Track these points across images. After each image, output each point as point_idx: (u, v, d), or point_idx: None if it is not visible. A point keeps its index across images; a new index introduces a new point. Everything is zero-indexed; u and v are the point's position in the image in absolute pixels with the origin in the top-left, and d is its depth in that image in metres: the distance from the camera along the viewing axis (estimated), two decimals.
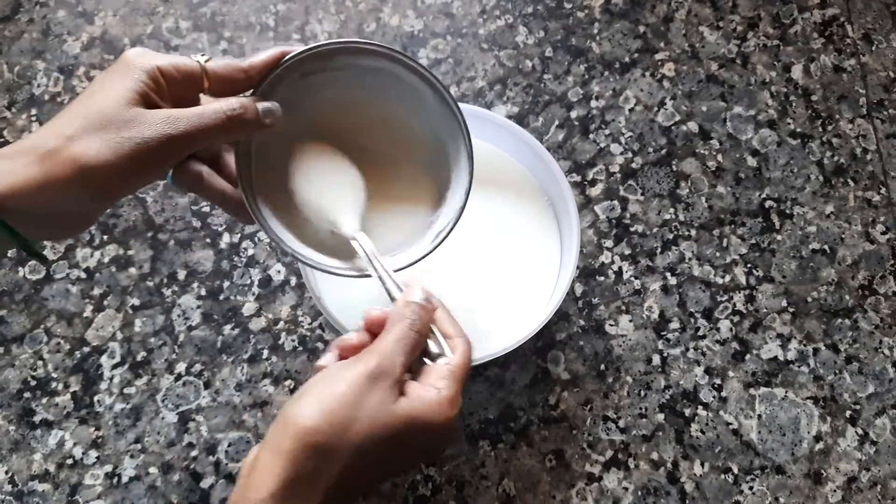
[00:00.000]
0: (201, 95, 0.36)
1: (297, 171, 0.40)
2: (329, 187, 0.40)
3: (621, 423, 0.52)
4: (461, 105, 0.54)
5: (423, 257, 0.41)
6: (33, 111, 0.60)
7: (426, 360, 0.36)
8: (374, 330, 0.36)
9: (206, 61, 0.36)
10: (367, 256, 0.39)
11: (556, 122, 0.61)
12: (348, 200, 0.41)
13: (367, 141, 0.43)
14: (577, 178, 0.59)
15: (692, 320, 0.55)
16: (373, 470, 0.33)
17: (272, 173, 0.40)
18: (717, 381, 0.53)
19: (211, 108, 0.34)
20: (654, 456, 0.51)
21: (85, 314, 0.54)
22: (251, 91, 0.37)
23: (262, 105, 0.36)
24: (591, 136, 0.60)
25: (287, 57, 0.38)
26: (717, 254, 0.57)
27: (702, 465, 0.51)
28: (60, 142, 0.31)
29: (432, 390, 0.34)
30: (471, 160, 0.42)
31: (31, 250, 0.33)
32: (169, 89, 0.35)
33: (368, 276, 0.39)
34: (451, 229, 0.42)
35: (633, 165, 0.59)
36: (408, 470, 0.36)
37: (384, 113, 0.43)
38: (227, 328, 0.54)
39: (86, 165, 0.31)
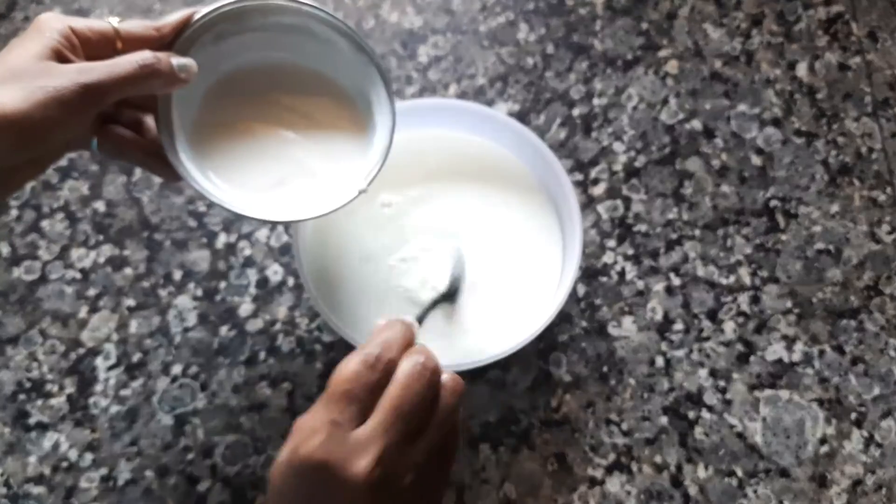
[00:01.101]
0: (115, 56, 0.37)
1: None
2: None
3: (624, 426, 0.51)
4: (461, 102, 0.54)
5: (359, 194, 0.43)
6: None
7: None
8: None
9: (118, 23, 0.37)
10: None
11: (558, 121, 0.60)
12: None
13: (288, 98, 0.44)
14: (580, 177, 0.58)
15: (696, 321, 0.54)
16: None
17: (193, 129, 0.42)
18: (722, 384, 0.52)
19: (124, 58, 0.35)
20: (658, 459, 0.50)
21: (80, 315, 0.54)
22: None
23: (177, 59, 0.37)
24: (594, 134, 0.60)
25: (198, 15, 0.39)
26: (722, 254, 0.56)
27: (706, 468, 0.50)
28: None
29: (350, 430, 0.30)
30: (391, 100, 0.43)
31: None
32: (84, 50, 0.36)
33: (301, 220, 0.42)
34: (380, 168, 0.43)
35: (636, 164, 0.59)
36: None
37: (302, 69, 0.44)
38: (223, 329, 0.53)
39: (1, 113, 0.31)
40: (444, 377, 0.32)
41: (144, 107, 0.41)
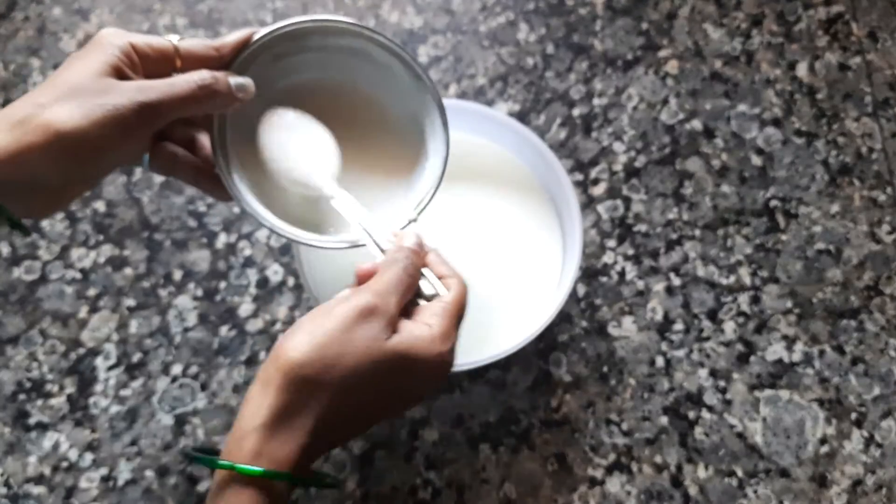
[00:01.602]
0: (174, 74, 0.37)
1: (269, 141, 0.41)
2: (301, 150, 0.41)
3: (624, 427, 0.51)
4: (461, 102, 0.54)
5: (409, 224, 0.42)
6: None
7: (420, 301, 0.37)
8: (366, 281, 0.37)
9: (178, 41, 0.37)
10: (350, 212, 0.39)
11: (558, 121, 0.60)
12: (322, 162, 0.41)
13: (341, 121, 0.43)
14: (580, 177, 0.58)
15: (696, 322, 0.54)
16: (363, 404, 0.34)
17: (247, 150, 0.41)
18: (722, 384, 0.52)
19: (182, 78, 0.35)
20: (658, 459, 0.50)
21: (80, 315, 0.54)
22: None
23: (235, 79, 0.37)
24: (594, 134, 0.60)
25: (258, 35, 0.38)
26: (722, 254, 0.56)
27: (706, 468, 0.50)
28: (32, 110, 0.32)
29: (424, 327, 0.35)
30: (446, 130, 0.43)
31: (11, 219, 0.33)
32: (143, 67, 0.35)
33: (352, 246, 0.40)
34: (432, 197, 0.43)
35: (637, 164, 0.59)
36: (402, 408, 0.37)
37: (358, 93, 0.44)
38: (223, 329, 0.53)
39: (58, 131, 0.31)
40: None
41: (198, 124, 0.40)
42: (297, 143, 0.41)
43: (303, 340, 0.32)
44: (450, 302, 0.36)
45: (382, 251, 0.38)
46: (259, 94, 0.38)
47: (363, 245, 0.40)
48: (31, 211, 0.35)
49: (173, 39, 0.36)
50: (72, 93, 0.32)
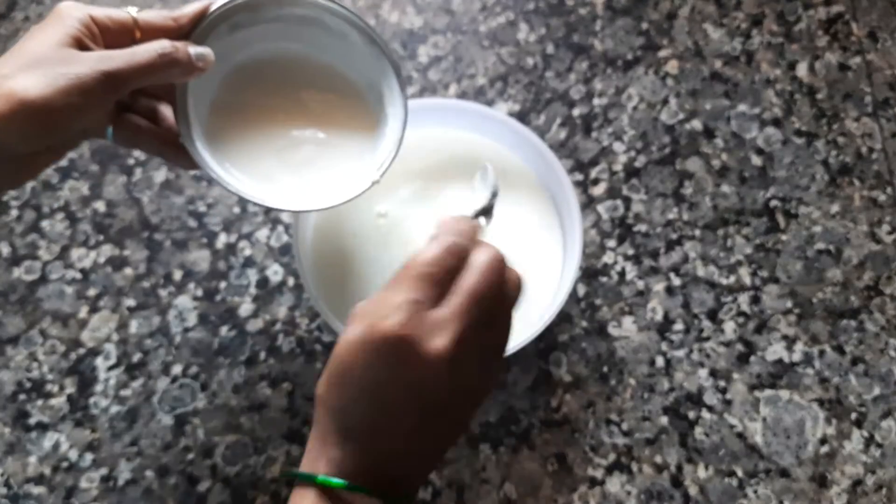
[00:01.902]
0: (134, 45, 0.37)
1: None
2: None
3: (624, 427, 0.51)
4: (461, 102, 0.54)
5: (371, 186, 0.43)
6: None
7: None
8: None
9: (137, 13, 0.37)
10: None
11: (558, 121, 0.60)
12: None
13: (299, 90, 0.45)
14: (580, 177, 0.58)
15: (696, 322, 0.54)
16: (349, 402, 0.30)
17: (209, 118, 0.42)
18: (722, 384, 0.52)
19: (143, 47, 0.36)
20: (658, 459, 0.50)
21: (80, 315, 0.54)
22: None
23: (194, 48, 0.38)
24: (594, 134, 0.60)
25: (215, 6, 0.40)
26: (722, 254, 0.56)
27: (706, 468, 0.50)
28: None
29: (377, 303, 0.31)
30: (404, 93, 0.44)
31: None
32: (103, 38, 0.36)
33: (323, 209, 0.42)
34: (393, 159, 0.44)
35: (637, 164, 0.59)
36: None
37: (315, 62, 0.45)
38: (223, 329, 0.53)
39: (22, 100, 0.32)
40: (511, 272, 0.33)
41: (160, 95, 0.41)
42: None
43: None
44: (409, 263, 0.31)
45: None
46: (218, 64, 0.39)
47: (332, 207, 0.42)
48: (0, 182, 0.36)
49: (132, 11, 0.37)
50: (35, 63, 0.33)
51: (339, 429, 0.30)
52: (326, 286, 0.50)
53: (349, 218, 0.52)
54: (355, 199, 0.43)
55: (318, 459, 0.30)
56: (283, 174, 0.44)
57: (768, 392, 0.52)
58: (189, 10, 0.39)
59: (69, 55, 0.34)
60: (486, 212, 0.45)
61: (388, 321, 0.29)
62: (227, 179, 0.41)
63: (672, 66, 0.62)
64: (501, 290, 0.32)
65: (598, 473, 0.50)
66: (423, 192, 0.53)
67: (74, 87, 0.33)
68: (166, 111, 0.41)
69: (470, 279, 0.31)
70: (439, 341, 0.29)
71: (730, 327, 0.54)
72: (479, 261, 0.31)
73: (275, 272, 0.55)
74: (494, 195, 0.45)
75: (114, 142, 0.40)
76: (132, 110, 0.40)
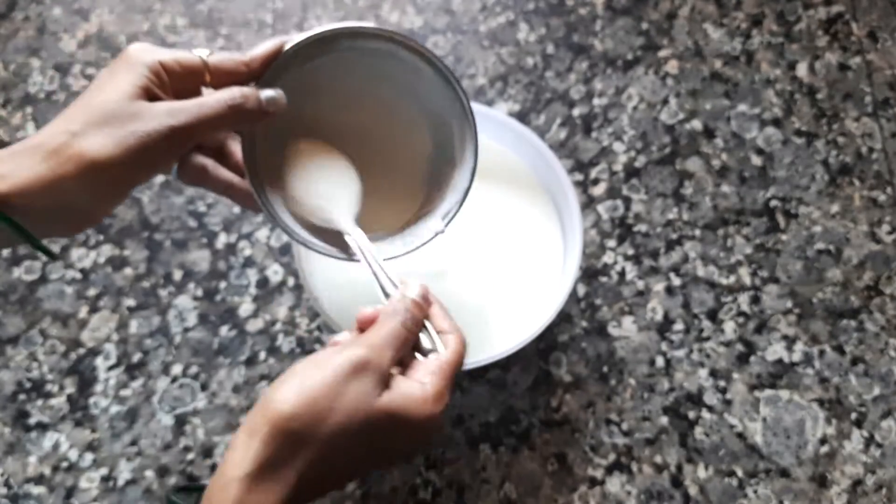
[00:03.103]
0: (203, 89, 0.36)
1: (292, 169, 0.40)
2: (320, 186, 0.41)
3: (624, 427, 0.51)
4: None
5: (435, 236, 0.41)
6: (28, 109, 0.60)
7: (418, 355, 0.36)
8: (366, 328, 0.36)
9: (207, 56, 0.36)
10: (361, 253, 0.39)
11: (558, 121, 0.60)
12: (340, 198, 0.41)
13: (370, 123, 0.43)
14: (580, 177, 0.58)
15: (696, 322, 0.54)
16: (349, 461, 0.33)
17: (278, 162, 0.40)
18: (722, 384, 0.52)
19: (213, 98, 0.34)
20: (658, 459, 0.50)
21: (80, 315, 0.54)
22: (254, 82, 0.38)
23: (265, 93, 0.36)
24: (594, 134, 0.60)
25: (288, 46, 0.38)
26: (722, 254, 0.56)
27: (706, 468, 0.50)
28: (66, 138, 0.32)
29: (417, 385, 0.34)
30: (475, 140, 0.42)
31: (40, 247, 0.34)
32: (171, 83, 0.35)
33: (390, 258, 0.40)
34: (459, 208, 0.42)
35: (637, 164, 0.59)
36: (388, 465, 0.37)
37: (386, 94, 0.43)
38: (223, 329, 0.53)
39: (92, 161, 0.31)
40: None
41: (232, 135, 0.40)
42: (315, 179, 0.41)
43: (292, 392, 0.32)
44: (446, 361, 0.35)
45: (386, 294, 0.37)
46: (289, 101, 0.37)
47: (398, 256, 0.40)
48: (56, 232, 0.36)
49: (202, 54, 0.36)
50: (103, 119, 0.32)
51: (302, 480, 0.31)
52: (326, 286, 0.50)
53: None
54: (418, 249, 0.41)
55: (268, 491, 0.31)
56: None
57: (768, 392, 0.52)
58: (260, 51, 0.37)
59: (138, 110, 0.33)
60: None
61: (436, 407, 0.34)
62: (295, 230, 0.39)
63: (672, 66, 0.62)
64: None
65: (598, 473, 0.50)
66: None
67: (144, 145, 0.32)
68: (233, 146, 0.40)
69: (452, 356, 0.36)
70: (441, 408, 0.34)
71: (730, 327, 0.54)
72: (452, 341, 0.36)
73: (275, 272, 0.55)
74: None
75: (177, 180, 0.39)
76: (198, 148, 0.39)
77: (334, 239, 0.41)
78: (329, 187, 0.41)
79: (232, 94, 0.35)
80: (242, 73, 0.37)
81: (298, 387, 0.32)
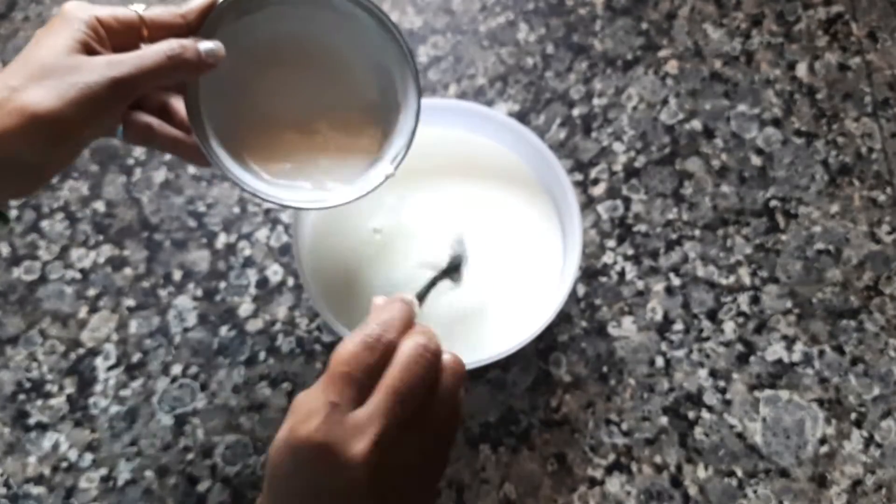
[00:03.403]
0: (142, 45, 0.37)
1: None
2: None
3: (624, 427, 0.51)
4: (461, 103, 0.54)
5: (386, 179, 0.42)
6: None
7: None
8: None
9: (143, 10, 0.37)
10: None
11: (558, 121, 0.60)
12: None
13: (311, 74, 0.43)
14: (580, 177, 0.58)
15: (696, 322, 0.54)
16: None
17: (222, 114, 0.41)
18: (722, 384, 0.52)
19: (151, 49, 0.35)
20: (658, 459, 0.50)
21: (80, 315, 0.54)
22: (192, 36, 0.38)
23: (204, 45, 0.37)
24: (594, 134, 0.60)
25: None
26: (722, 254, 0.56)
27: (705, 468, 0.50)
28: (6, 94, 0.32)
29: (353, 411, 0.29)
30: (417, 81, 0.42)
31: None
32: (109, 39, 0.36)
33: (340, 205, 0.41)
34: (407, 151, 0.43)
35: (636, 164, 0.59)
36: None
37: (324, 44, 0.43)
38: (223, 329, 0.53)
39: (34, 113, 0.32)
40: (446, 357, 0.31)
41: (169, 87, 0.41)
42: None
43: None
44: (329, 362, 0.30)
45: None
46: (228, 53, 0.38)
47: (347, 203, 0.41)
48: (9, 193, 0.36)
49: (138, 9, 0.37)
50: (43, 73, 0.33)
51: None
52: (326, 286, 0.50)
53: (349, 215, 0.52)
54: (370, 193, 0.42)
55: None
56: (295, 169, 0.43)
57: (768, 392, 0.52)
58: (196, 4, 0.38)
59: (77, 63, 0.33)
60: (449, 273, 0.46)
61: (305, 425, 0.28)
62: (245, 179, 0.40)
63: (672, 66, 0.62)
64: (429, 383, 0.30)
65: (598, 473, 0.50)
66: (424, 192, 0.53)
67: (85, 96, 0.32)
68: (177, 103, 0.40)
69: (392, 374, 0.29)
70: (359, 445, 0.27)
71: (729, 327, 0.54)
72: (403, 353, 0.30)
73: (274, 272, 0.55)
74: (457, 258, 0.46)
75: (124, 141, 0.40)
76: (141, 107, 0.40)
77: (300, 178, 0.42)
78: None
79: (171, 44, 0.35)
80: (179, 25, 0.37)
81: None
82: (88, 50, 0.34)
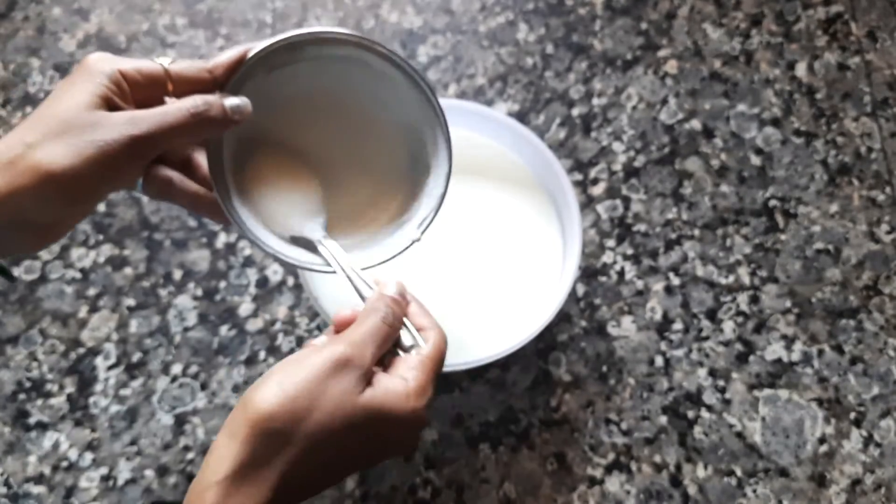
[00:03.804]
0: (166, 98, 0.35)
1: (260, 181, 0.40)
2: (286, 198, 0.40)
3: (623, 426, 0.51)
4: (461, 102, 0.54)
5: (412, 244, 0.41)
6: (28, 109, 0.60)
7: (399, 351, 0.36)
8: (343, 329, 0.35)
9: (169, 63, 0.35)
10: (334, 260, 0.38)
11: (558, 120, 0.60)
12: (307, 208, 0.40)
13: (339, 133, 0.42)
14: (579, 177, 0.58)
15: (695, 321, 0.54)
16: (334, 459, 0.32)
17: (246, 173, 0.39)
18: (721, 383, 0.53)
19: (174, 106, 0.33)
20: (657, 459, 0.50)
21: (80, 315, 0.54)
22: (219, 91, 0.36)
23: (230, 101, 0.35)
24: (593, 134, 0.60)
25: (253, 52, 0.36)
26: (721, 254, 0.56)
27: (705, 467, 0.50)
28: (21, 150, 0.31)
29: (399, 381, 0.33)
30: (448, 144, 0.41)
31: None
32: (133, 93, 0.34)
33: (357, 270, 0.39)
34: (435, 215, 0.41)
35: (636, 164, 0.59)
36: (373, 463, 0.35)
37: (355, 102, 0.41)
38: (223, 329, 0.53)
39: (48, 172, 0.30)
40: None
41: (194, 142, 0.39)
42: (280, 190, 0.40)
43: (272, 391, 0.31)
44: (427, 355, 0.35)
45: (363, 298, 0.37)
46: (256, 109, 0.36)
47: (373, 266, 0.39)
48: (22, 248, 0.34)
49: (164, 62, 0.35)
50: (61, 129, 0.31)
51: (285, 479, 0.31)
52: (326, 286, 0.50)
53: None
54: (394, 258, 0.40)
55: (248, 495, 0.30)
56: (319, 230, 0.41)
57: (767, 391, 0.52)
58: (224, 58, 0.36)
59: (96, 119, 0.32)
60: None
61: (419, 402, 0.34)
62: (266, 240, 0.38)
63: (671, 66, 0.62)
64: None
65: (598, 473, 0.50)
66: None
67: (103, 154, 0.31)
68: (201, 157, 0.39)
69: (432, 352, 0.36)
70: (424, 402, 0.34)
71: (729, 327, 0.54)
72: (432, 337, 0.36)
73: (274, 272, 0.55)
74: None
75: (143, 194, 0.38)
76: (163, 160, 0.38)
77: (309, 250, 0.40)
78: (294, 198, 0.40)
79: (195, 101, 0.34)
80: (206, 80, 0.36)
81: (278, 386, 0.31)
82: (110, 105, 0.33)
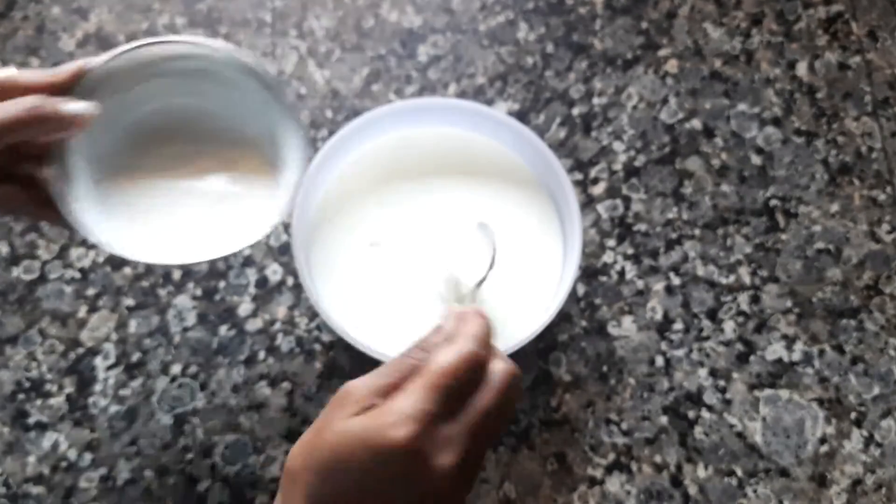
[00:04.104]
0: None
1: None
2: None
3: (624, 426, 0.51)
4: (460, 102, 0.54)
5: (268, 234, 0.43)
6: None
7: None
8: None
9: (11, 74, 0.36)
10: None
11: (558, 120, 0.60)
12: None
13: (196, 147, 0.43)
14: (579, 177, 0.58)
15: (696, 321, 0.54)
16: (341, 498, 0.29)
17: (104, 180, 0.41)
18: (722, 383, 0.52)
19: (11, 102, 0.34)
20: (658, 459, 0.50)
21: (79, 315, 0.54)
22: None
23: (70, 104, 0.36)
24: (593, 133, 0.60)
25: (93, 63, 0.38)
26: (722, 253, 0.56)
27: (705, 467, 0.50)
28: None
29: (386, 403, 0.29)
30: (300, 131, 0.43)
31: None
32: None
33: (210, 259, 0.42)
34: (290, 204, 0.43)
35: (636, 164, 0.59)
36: None
37: (211, 114, 0.43)
38: (222, 329, 0.53)
39: None
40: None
41: (41, 161, 0.40)
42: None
43: (302, 438, 0.30)
44: (427, 366, 0.30)
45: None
46: (109, 125, 0.38)
47: (224, 256, 0.41)
48: None
49: (10, 72, 0.36)
50: None
51: None
52: (326, 286, 0.50)
53: (349, 220, 0.52)
54: (253, 244, 0.42)
55: None
56: (181, 230, 0.43)
57: (768, 391, 0.52)
58: (66, 67, 0.38)
59: None
60: (492, 266, 0.45)
61: (399, 431, 0.28)
62: (101, 238, 0.40)
63: (672, 66, 0.62)
64: (512, 408, 0.32)
65: (598, 473, 0.50)
66: (423, 192, 0.53)
67: None
68: (46, 174, 0.39)
69: (487, 398, 0.30)
70: (448, 458, 0.28)
71: (729, 327, 0.54)
72: (497, 379, 0.31)
73: (274, 272, 0.55)
74: (495, 250, 0.45)
75: None
76: (12, 180, 0.39)
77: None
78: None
79: (32, 99, 0.35)
80: (53, 84, 0.37)
81: (307, 432, 0.31)
82: None
